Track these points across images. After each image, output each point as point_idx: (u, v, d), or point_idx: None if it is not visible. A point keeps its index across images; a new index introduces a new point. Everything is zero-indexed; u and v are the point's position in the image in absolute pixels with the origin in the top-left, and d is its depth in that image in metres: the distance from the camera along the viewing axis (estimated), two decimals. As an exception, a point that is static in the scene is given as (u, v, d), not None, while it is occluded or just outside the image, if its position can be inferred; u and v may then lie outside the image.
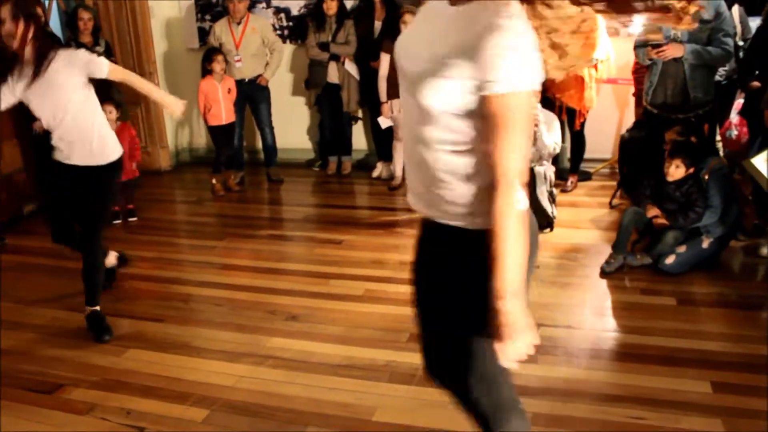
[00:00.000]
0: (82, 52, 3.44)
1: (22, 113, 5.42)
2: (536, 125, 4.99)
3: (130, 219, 5.46)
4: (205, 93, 5.82)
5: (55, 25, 6.75)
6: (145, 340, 3.57)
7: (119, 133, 5.23)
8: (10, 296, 4.18)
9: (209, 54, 5.85)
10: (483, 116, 1.54)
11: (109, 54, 5.97)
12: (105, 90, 5.68)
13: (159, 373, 3.24)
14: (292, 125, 6.80)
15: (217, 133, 6.01)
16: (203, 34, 6.73)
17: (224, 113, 5.90)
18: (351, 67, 6.06)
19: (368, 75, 5.96)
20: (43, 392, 3.13)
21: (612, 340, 3.41)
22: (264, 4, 6.61)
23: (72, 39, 5.74)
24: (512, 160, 1.52)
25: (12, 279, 4.46)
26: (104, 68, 3.39)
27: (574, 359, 3.20)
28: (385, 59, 5.63)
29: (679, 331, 3.37)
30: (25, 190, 5.75)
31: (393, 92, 5.66)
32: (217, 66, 5.79)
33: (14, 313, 3.94)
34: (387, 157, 6.14)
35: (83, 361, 3.39)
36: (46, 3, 5.98)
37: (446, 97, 1.57)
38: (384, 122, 5.82)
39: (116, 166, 3.58)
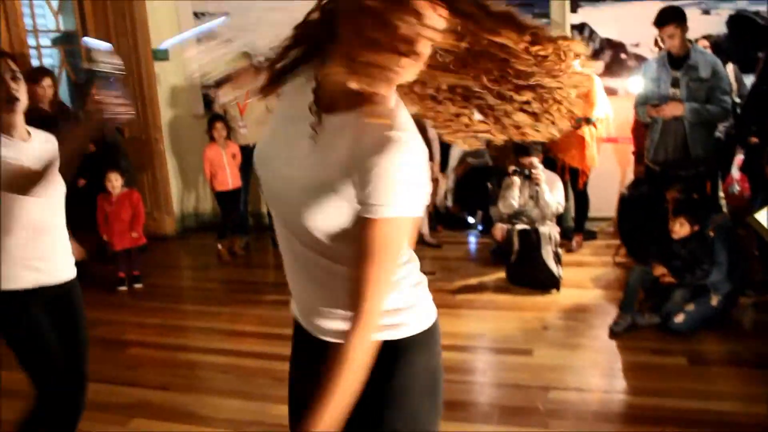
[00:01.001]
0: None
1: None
2: (538, 185, 5.03)
3: (135, 285, 5.44)
4: (210, 159, 5.89)
5: (63, 95, 6.87)
6: (150, 408, 3.52)
7: (124, 199, 5.31)
8: (14, 365, 4.13)
9: (211, 121, 5.97)
10: (357, 239, 1.35)
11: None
12: (112, 157, 5.77)
13: (164, 443, 3.20)
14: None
15: (223, 198, 6.05)
16: (208, 101, 6.84)
17: (230, 179, 5.96)
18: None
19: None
20: (46, 465, 3.08)
21: (624, 402, 3.36)
22: (268, 71, 6.73)
23: (81, 108, 5.85)
24: (379, 294, 1.35)
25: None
26: None
27: (585, 423, 3.14)
28: None
29: (692, 391, 3.32)
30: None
31: None
32: (217, 133, 5.89)
33: (20, 381, 3.89)
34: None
35: (87, 431, 3.33)
36: (56, 72, 6.11)
37: (322, 217, 1.39)
38: None
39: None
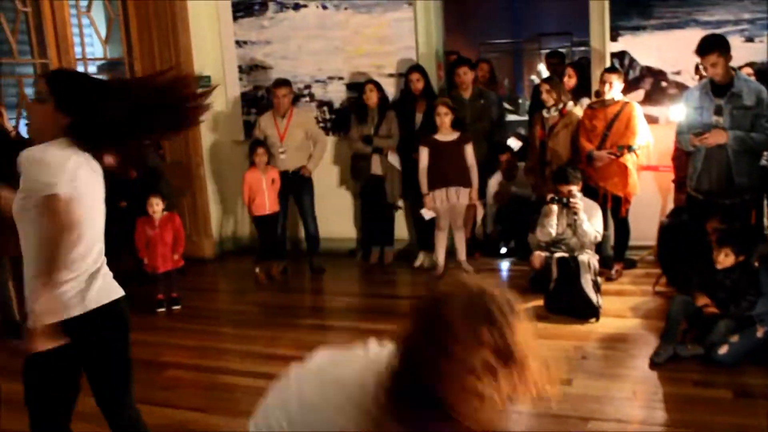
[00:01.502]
0: None
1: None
2: (576, 213, 4.99)
3: (174, 307, 5.51)
4: (249, 184, 5.96)
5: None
6: (187, 430, 3.54)
7: (165, 223, 5.39)
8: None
9: (253, 146, 6.03)
10: None
11: (158, 146, 6.20)
12: (153, 181, 5.88)
13: (201, 465, 3.20)
14: (334, 215, 6.89)
15: (261, 222, 6.12)
16: (249, 127, 6.94)
17: (268, 203, 6.02)
18: (394, 159, 6.16)
19: (410, 166, 6.05)
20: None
21: (666, 435, 3.28)
22: (307, 98, 6.83)
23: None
24: None
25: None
26: None
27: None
28: (423, 152, 5.73)
29: (737, 426, 3.24)
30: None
31: (433, 184, 5.73)
32: (257, 158, 5.95)
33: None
34: (429, 246, 6.14)
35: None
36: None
37: None
38: (427, 214, 5.87)
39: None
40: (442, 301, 1.40)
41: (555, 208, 5.08)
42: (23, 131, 5.04)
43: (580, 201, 5.02)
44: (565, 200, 5.03)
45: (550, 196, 5.14)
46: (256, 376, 4.17)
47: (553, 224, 5.10)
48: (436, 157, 5.70)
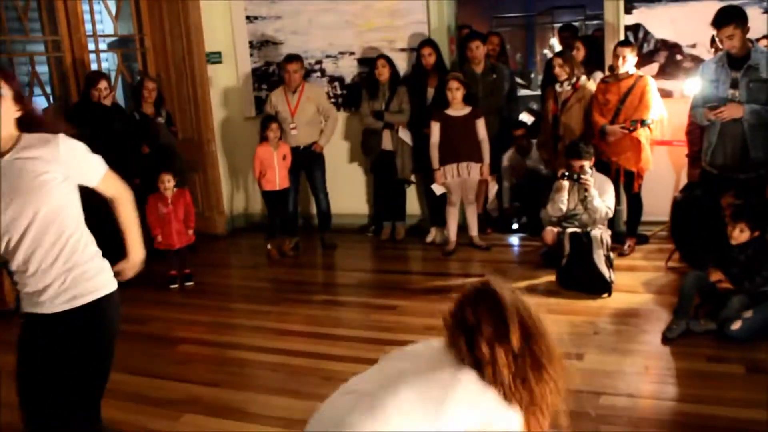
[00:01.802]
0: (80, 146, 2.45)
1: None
2: (586, 190, 4.95)
3: (187, 283, 5.54)
4: (261, 158, 5.95)
5: (119, 97, 7.04)
6: (200, 405, 3.57)
7: (177, 199, 5.41)
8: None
9: (265, 122, 6.00)
10: None
11: (170, 123, 6.20)
12: (166, 158, 5.89)
13: (214, 439, 3.24)
14: (346, 191, 6.89)
15: (270, 198, 6.12)
16: (260, 103, 6.93)
17: (278, 179, 6.01)
18: (405, 135, 6.14)
19: (422, 141, 6.03)
20: (100, 456, 3.15)
21: (677, 410, 3.27)
22: (318, 74, 6.80)
23: (135, 109, 5.98)
24: None
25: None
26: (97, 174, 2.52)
27: (638, 430, 3.08)
28: (435, 127, 5.70)
29: (750, 401, 3.22)
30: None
31: (445, 159, 5.71)
32: (272, 134, 5.92)
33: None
34: (440, 222, 6.13)
35: (140, 425, 3.40)
36: (113, 77, 6.26)
37: None
38: (438, 189, 5.86)
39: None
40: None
41: (566, 184, 5.05)
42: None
43: (590, 177, 4.99)
44: (575, 176, 5.00)
45: (560, 171, 5.11)
46: (267, 352, 4.20)
47: (564, 200, 5.08)
48: (447, 132, 5.67)
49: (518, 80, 8.46)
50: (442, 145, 5.70)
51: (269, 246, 6.17)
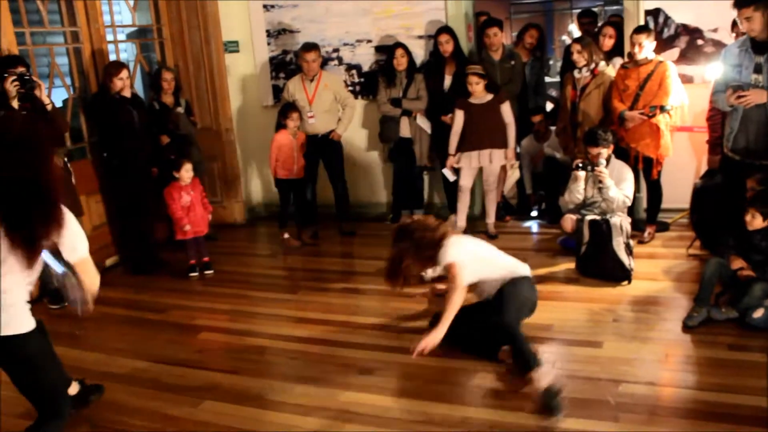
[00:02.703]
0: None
1: (108, 169, 5.70)
2: (601, 180, 4.91)
3: (206, 272, 5.57)
4: (279, 145, 5.94)
5: (138, 86, 7.07)
6: (220, 391, 3.60)
7: (194, 187, 5.47)
8: (93, 346, 4.31)
9: (285, 110, 5.97)
10: None
11: (189, 113, 6.22)
12: (185, 147, 5.92)
13: (233, 425, 3.26)
14: (364, 179, 6.89)
15: (285, 186, 6.12)
16: (277, 92, 6.93)
17: (295, 167, 6.02)
18: (422, 122, 6.12)
19: (440, 129, 6.00)
20: (122, 442, 3.20)
21: (698, 398, 3.23)
22: (336, 62, 6.79)
23: (154, 99, 6.01)
24: None
25: (94, 329, 4.59)
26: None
27: (657, 418, 3.06)
28: (459, 114, 5.69)
29: (771, 389, 3.19)
30: (107, 244, 5.96)
31: (464, 146, 5.70)
32: (292, 122, 5.92)
33: (97, 363, 4.05)
34: (459, 209, 6.11)
35: (160, 411, 3.44)
36: (131, 66, 6.28)
37: None
38: (449, 174, 5.85)
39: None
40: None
41: (581, 174, 5.02)
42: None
43: (605, 169, 4.94)
44: (590, 167, 4.96)
45: (575, 162, 5.07)
46: (286, 339, 4.22)
47: (580, 190, 5.05)
48: (470, 119, 5.66)
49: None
50: (465, 132, 5.69)
51: (287, 235, 6.18)
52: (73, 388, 3.44)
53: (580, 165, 5.00)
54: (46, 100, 4.73)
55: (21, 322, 2.55)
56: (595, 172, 4.94)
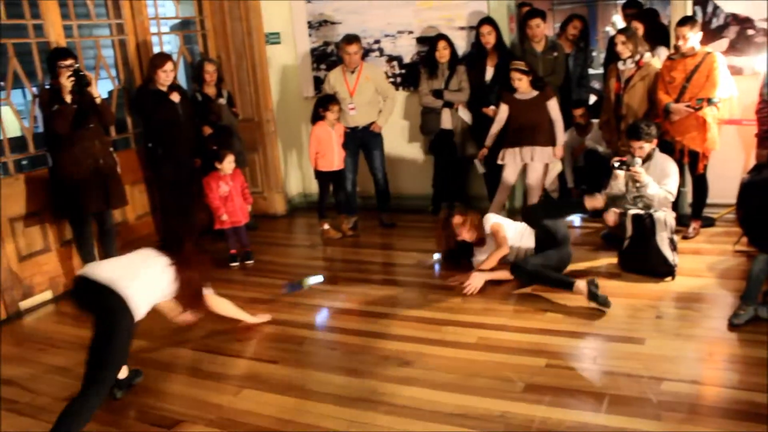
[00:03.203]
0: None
1: (152, 160, 5.79)
2: (638, 180, 4.83)
3: (247, 262, 5.64)
4: (318, 138, 5.97)
5: (181, 77, 7.16)
6: (259, 380, 3.64)
7: (234, 178, 5.53)
8: (137, 333, 4.34)
9: (326, 102, 5.97)
10: None
11: (231, 104, 6.28)
12: (227, 138, 5.98)
13: (272, 414, 3.29)
14: (404, 171, 6.88)
15: (325, 178, 6.15)
16: (318, 83, 6.95)
17: (336, 159, 6.04)
18: (464, 113, 6.09)
19: (481, 120, 5.96)
20: (163, 426, 3.26)
21: (742, 398, 3.16)
22: (377, 53, 6.78)
23: (197, 90, 6.08)
24: None
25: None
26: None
27: (700, 417, 3.00)
28: (503, 108, 5.66)
29: (819, 390, 3.11)
30: (150, 233, 6.06)
31: (507, 141, 5.66)
32: (332, 115, 5.93)
33: (140, 350, 4.13)
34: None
35: (201, 399, 3.49)
36: (174, 57, 6.36)
37: None
38: (479, 166, 5.82)
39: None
40: None
41: (620, 173, 4.94)
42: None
43: (640, 168, 4.85)
44: (625, 167, 4.87)
45: (613, 161, 4.99)
46: (326, 330, 4.25)
47: (620, 187, 4.99)
48: (514, 115, 5.62)
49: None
50: (508, 129, 5.65)
51: (327, 226, 6.21)
52: (123, 372, 3.58)
53: (616, 164, 4.93)
54: (95, 94, 4.85)
55: (138, 307, 3.19)
56: (630, 171, 4.86)
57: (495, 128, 5.71)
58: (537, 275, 4.49)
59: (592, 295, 4.16)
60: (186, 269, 3.43)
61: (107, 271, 3.20)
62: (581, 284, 4.25)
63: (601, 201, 4.89)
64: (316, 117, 6.00)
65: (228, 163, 5.50)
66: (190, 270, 3.46)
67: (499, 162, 5.75)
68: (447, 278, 4.88)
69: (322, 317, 4.47)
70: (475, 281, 4.61)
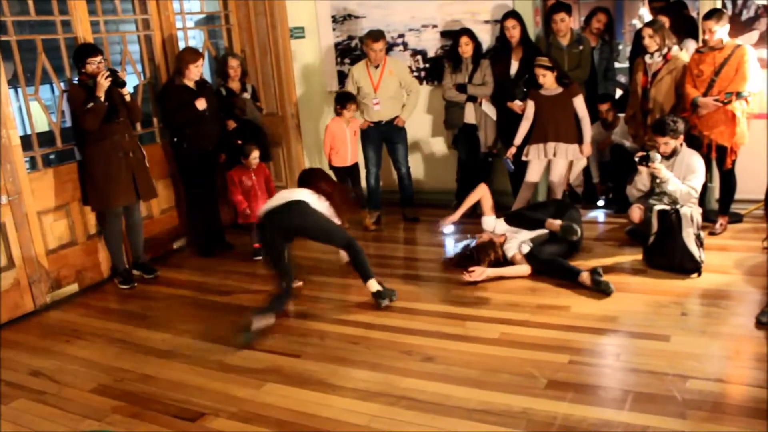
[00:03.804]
0: None
1: (177, 154, 5.83)
2: (658, 177, 4.77)
3: (270, 256, 5.66)
4: (333, 134, 5.99)
5: (205, 72, 7.19)
6: (282, 374, 3.66)
7: (258, 172, 5.56)
8: (160, 326, 4.44)
9: (344, 100, 5.97)
10: None
11: (255, 98, 6.30)
12: (252, 132, 6.00)
13: (294, 408, 3.31)
14: (428, 165, 6.86)
15: (340, 173, 6.14)
16: (342, 77, 6.96)
17: (350, 155, 6.05)
18: (488, 108, 6.05)
19: (505, 115, 5.92)
20: (186, 419, 3.28)
21: (770, 396, 3.13)
22: (401, 47, 6.76)
23: (222, 85, 6.11)
24: None
25: (162, 310, 4.74)
26: None
27: (726, 416, 2.95)
28: (530, 105, 5.61)
29: None
30: (175, 227, 6.12)
31: (532, 138, 5.62)
32: (348, 113, 5.95)
33: (164, 342, 4.17)
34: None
35: (224, 392, 3.51)
36: (200, 49, 6.39)
37: None
38: (509, 164, 5.77)
39: None
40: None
41: (644, 169, 4.89)
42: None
43: (659, 164, 4.79)
44: (645, 163, 4.82)
45: (637, 157, 4.93)
46: (347, 324, 4.26)
47: (645, 183, 4.94)
48: (539, 111, 5.58)
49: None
50: (533, 125, 5.62)
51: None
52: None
53: (637, 160, 4.88)
54: (125, 91, 4.93)
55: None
56: (649, 168, 4.81)
57: (524, 125, 5.67)
58: (551, 264, 4.70)
59: (595, 282, 4.33)
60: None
61: (278, 199, 4.49)
62: (585, 274, 4.42)
63: (640, 214, 4.94)
64: (335, 113, 6.03)
65: (253, 159, 5.54)
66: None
67: (524, 158, 5.71)
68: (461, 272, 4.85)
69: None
70: (480, 274, 4.75)
